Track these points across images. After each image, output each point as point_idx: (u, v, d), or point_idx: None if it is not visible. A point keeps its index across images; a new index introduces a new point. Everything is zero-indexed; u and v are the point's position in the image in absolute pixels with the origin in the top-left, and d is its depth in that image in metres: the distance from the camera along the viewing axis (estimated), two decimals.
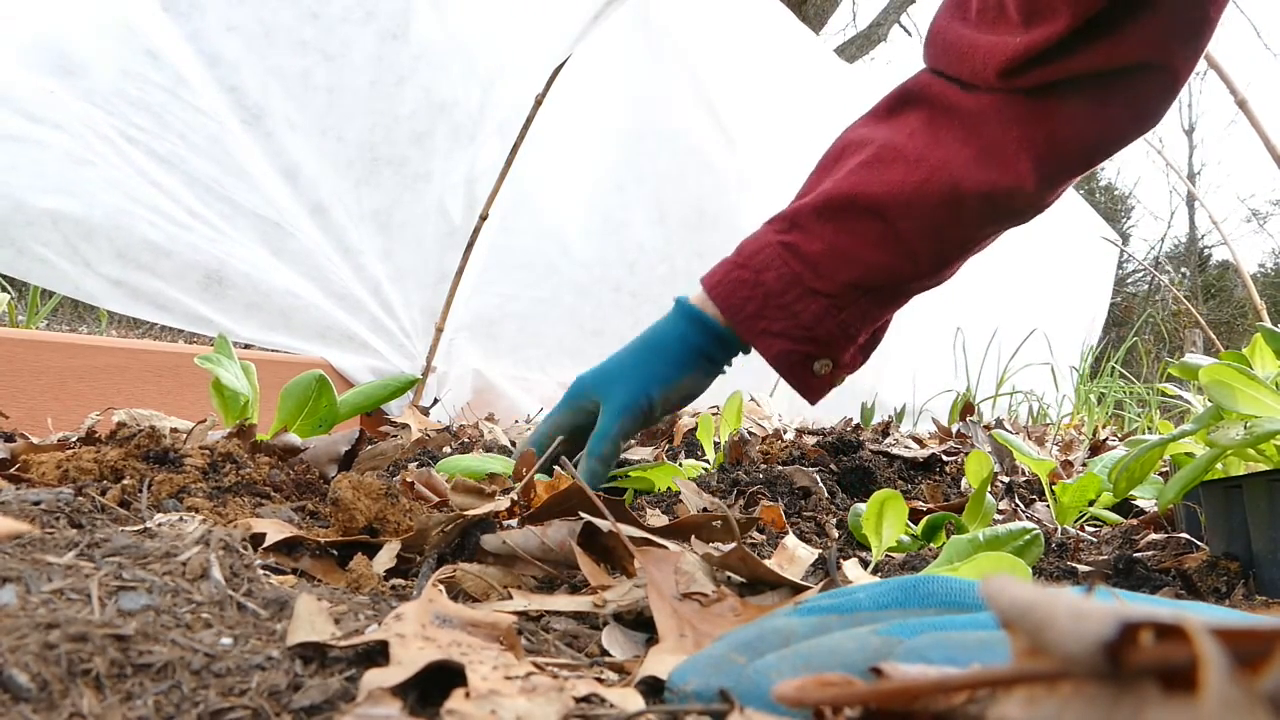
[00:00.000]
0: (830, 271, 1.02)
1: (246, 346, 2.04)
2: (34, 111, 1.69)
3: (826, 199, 1.02)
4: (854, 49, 9.26)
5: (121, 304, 1.84)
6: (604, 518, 0.72)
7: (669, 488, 1.19)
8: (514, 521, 0.81)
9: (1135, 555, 1.06)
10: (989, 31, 0.97)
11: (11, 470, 0.86)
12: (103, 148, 1.77)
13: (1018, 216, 1.05)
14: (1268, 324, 1.11)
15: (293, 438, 1.06)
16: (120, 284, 1.81)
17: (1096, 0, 0.88)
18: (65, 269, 1.74)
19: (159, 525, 0.65)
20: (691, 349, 1.08)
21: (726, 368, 1.13)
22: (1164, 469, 1.49)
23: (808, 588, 0.67)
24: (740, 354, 1.11)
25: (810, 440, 1.85)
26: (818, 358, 1.06)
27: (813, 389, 1.09)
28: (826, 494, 1.37)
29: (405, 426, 1.86)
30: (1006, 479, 1.68)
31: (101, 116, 1.78)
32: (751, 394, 2.61)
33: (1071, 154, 0.99)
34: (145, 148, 1.84)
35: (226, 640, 0.45)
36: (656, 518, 1.00)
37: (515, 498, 0.84)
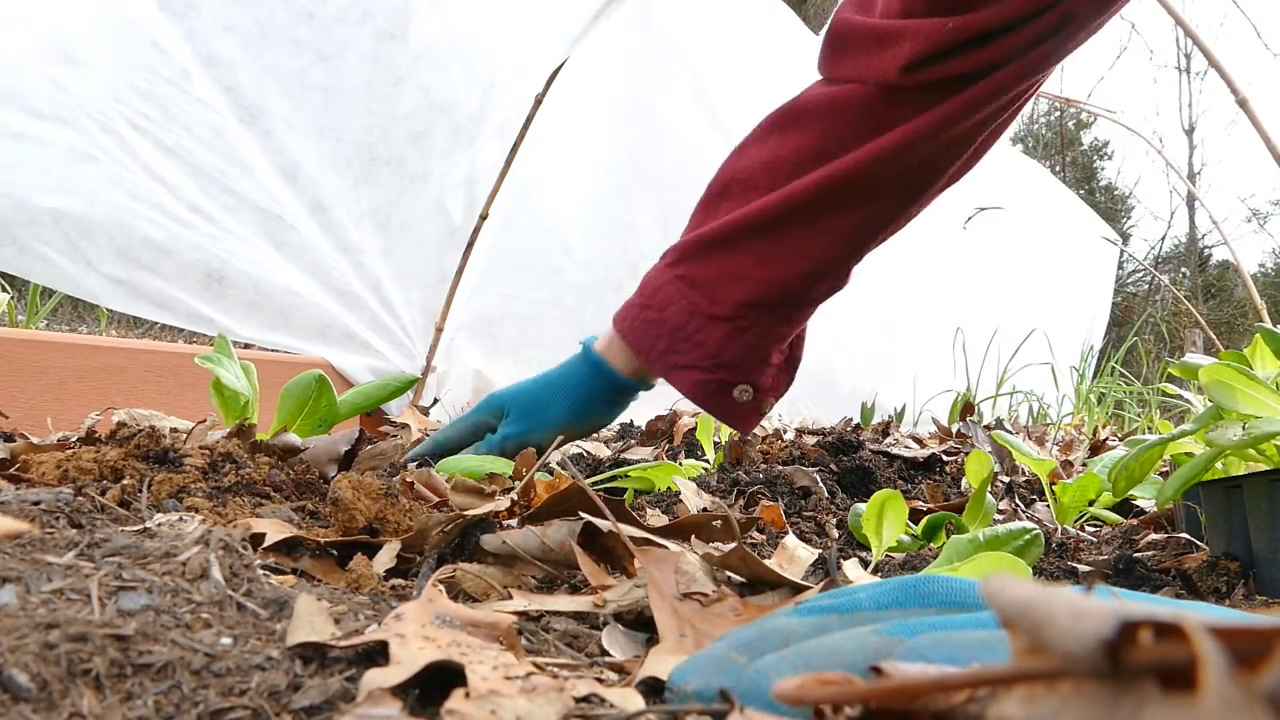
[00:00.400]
0: (724, 295, 1.05)
1: (247, 346, 2.04)
2: (38, 107, 1.70)
3: (714, 231, 1.06)
4: None
5: (122, 303, 1.84)
6: (604, 518, 0.72)
7: (669, 488, 1.19)
8: (514, 521, 0.81)
9: (1135, 555, 1.06)
10: (894, 26, 0.97)
11: (11, 470, 0.86)
12: (107, 141, 1.78)
13: (907, 189, 1.04)
14: (1268, 324, 1.11)
15: (293, 438, 1.06)
16: (121, 283, 1.82)
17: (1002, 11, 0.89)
18: (66, 268, 1.74)
19: (159, 525, 0.65)
20: (591, 396, 1.16)
21: (632, 401, 1.18)
22: (1164, 469, 1.49)
23: (808, 588, 0.67)
24: (643, 390, 1.17)
25: (810, 440, 1.85)
26: (734, 384, 1.08)
27: (738, 417, 1.10)
28: (826, 494, 1.37)
29: (405, 426, 1.86)
30: (1006, 479, 1.68)
31: (110, 104, 1.79)
32: None
33: (945, 124, 0.99)
34: (152, 137, 1.85)
35: (226, 640, 0.45)
36: (656, 518, 1.00)
37: (515, 498, 0.84)
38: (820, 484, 1.38)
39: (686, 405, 2.07)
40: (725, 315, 1.05)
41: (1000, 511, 1.43)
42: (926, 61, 0.94)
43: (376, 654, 0.46)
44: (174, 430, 1.09)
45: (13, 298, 2.54)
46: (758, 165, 1.05)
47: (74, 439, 1.15)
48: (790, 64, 3.43)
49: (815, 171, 1.00)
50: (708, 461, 1.65)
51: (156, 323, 1.96)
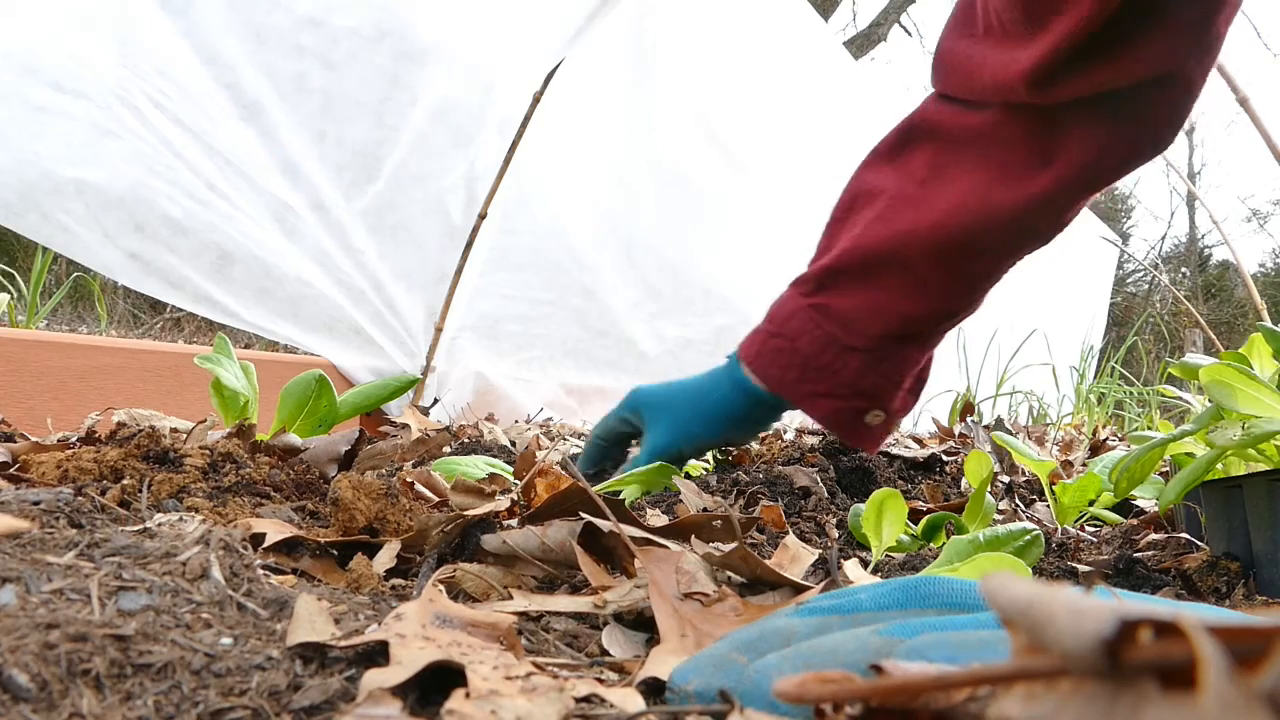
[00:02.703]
0: (863, 327, 1.04)
1: (247, 346, 2.04)
2: (62, 82, 1.71)
3: (849, 257, 1.03)
4: (854, 49, 9.26)
5: (134, 278, 1.85)
6: (605, 517, 0.72)
7: (668, 487, 1.19)
8: (514, 521, 0.81)
9: (1135, 555, 1.06)
10: (997, 47, 0.97)
11: (11, 470, 0.86)
12: (127, 116, 1.79)
13: (1038, 238, 1.05)
14: (1268, 324, 1.11)
15: (293, 438, 1.06)
16: (136, 257, 1.83)
17: (1095, 9, 0.88)
18: (85, 238, 1.76)
19: (159, 525, 0.65)
20: (735, 415, 1.14)
21: (778, 421, 1.18)
22: (1164, 469, 1.49)
23: (809, 588, 0.67)
24: (788, 409, 1.15)
25: (810, 440, 1.85)
26: (868, 411, 1.08)
27: (867, 440, 1.12)
28: (826, 494, 1.37)
29: (405, 426, 1.86)
30: (1006, 479, 1.68)
31: (131, 80, 1.79)
32: None
33: (1085, 174, 0.99)
34: (171, 114, 1.86)
35: (226, 640, 0.45)
36: (657, 518, 1.00)
37: (515, 498, 0.84)
38: (820, 484, 1.38)
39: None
40: (864, 347, 1.04)
41: (1000, 512, 1.43)
42: (1040, 81, 0.93)
43: (377, 654, 0.46)
44: (174, 430, 1.09)
45: (13, 298, 2.54)
46: (889, 175, 1.04)
47: (74, 439, 1.15)
48: (795, 57, 3.42)
49: (952, 208, 0.99)
50: (708, 461, 1.65)
51: (157, 322, 1.97)
